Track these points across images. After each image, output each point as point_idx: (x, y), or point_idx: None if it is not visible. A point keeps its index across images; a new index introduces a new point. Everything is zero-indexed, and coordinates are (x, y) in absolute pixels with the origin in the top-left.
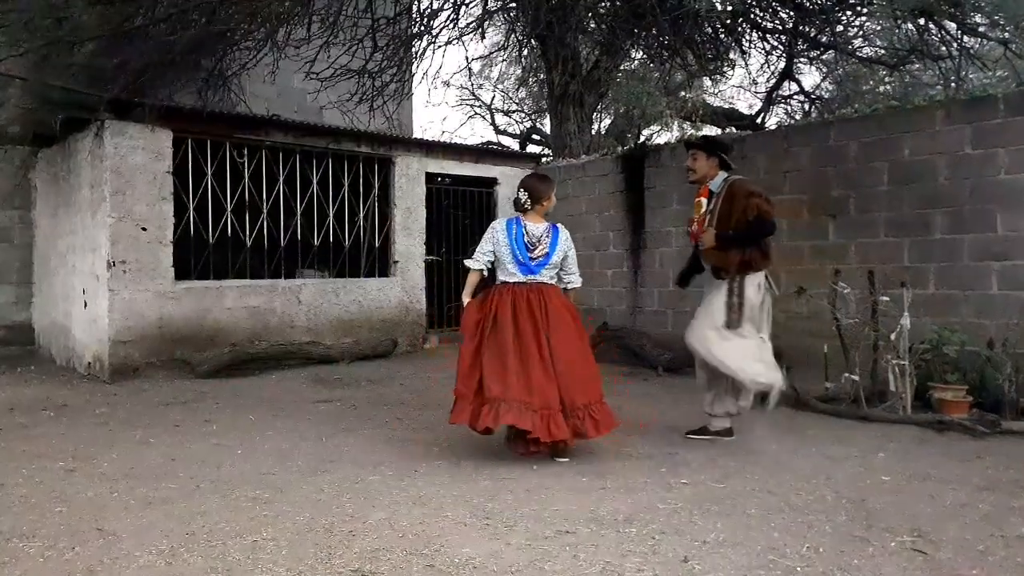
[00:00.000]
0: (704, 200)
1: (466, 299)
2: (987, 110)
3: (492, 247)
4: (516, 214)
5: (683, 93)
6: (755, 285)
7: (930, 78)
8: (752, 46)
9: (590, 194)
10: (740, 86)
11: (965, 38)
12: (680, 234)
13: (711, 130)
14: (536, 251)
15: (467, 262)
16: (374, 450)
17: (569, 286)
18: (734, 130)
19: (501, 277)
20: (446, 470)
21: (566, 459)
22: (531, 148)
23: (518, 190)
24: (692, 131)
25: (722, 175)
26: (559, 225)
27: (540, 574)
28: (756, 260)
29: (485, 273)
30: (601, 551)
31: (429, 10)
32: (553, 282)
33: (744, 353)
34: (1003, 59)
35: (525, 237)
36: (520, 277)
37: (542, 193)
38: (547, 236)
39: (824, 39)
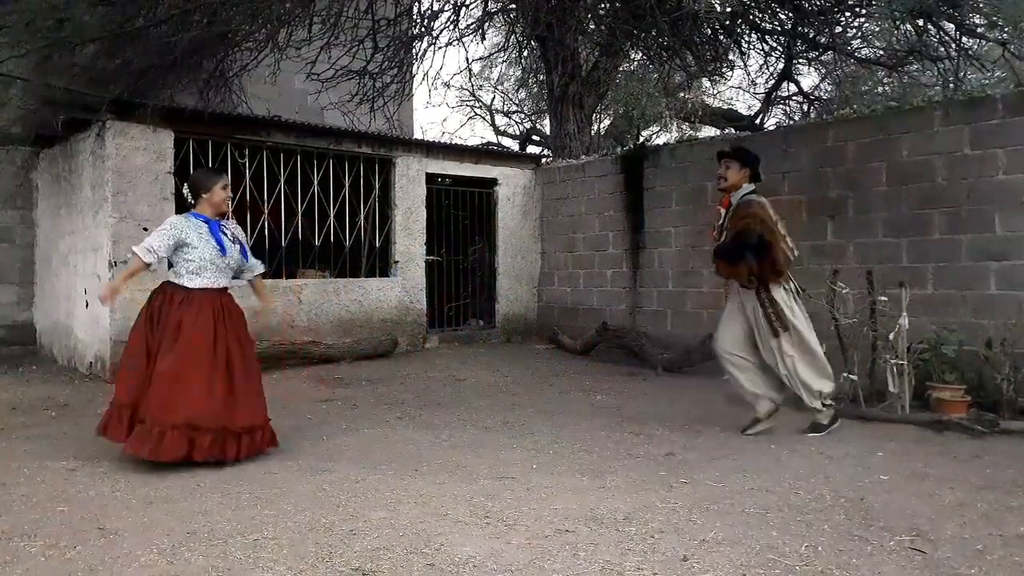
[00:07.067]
0: (723, 211)
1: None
2: (985, 111)
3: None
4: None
5: (682, 94)
6: (781, 291)
7: (928, 79)
8: (751, 47)
9: (589, 194)
10: (739, 87)
11: (963, 39)
12: (679, 234)
13: (710, 131)
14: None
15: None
16: (375, 449)
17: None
18: (733, 131)
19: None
20: (446, 469)
21: None
22: (531, 149)
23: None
24: (691, 131)
25: (746, 188)
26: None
27: (540, 573)
28: (766, 274)
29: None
30: (600, 550)
31: (429, 11)
32: (175, 279)
33: (810, 369)
34: (1001, 60)
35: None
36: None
37: (201, 186)
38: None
39: (823, 40)
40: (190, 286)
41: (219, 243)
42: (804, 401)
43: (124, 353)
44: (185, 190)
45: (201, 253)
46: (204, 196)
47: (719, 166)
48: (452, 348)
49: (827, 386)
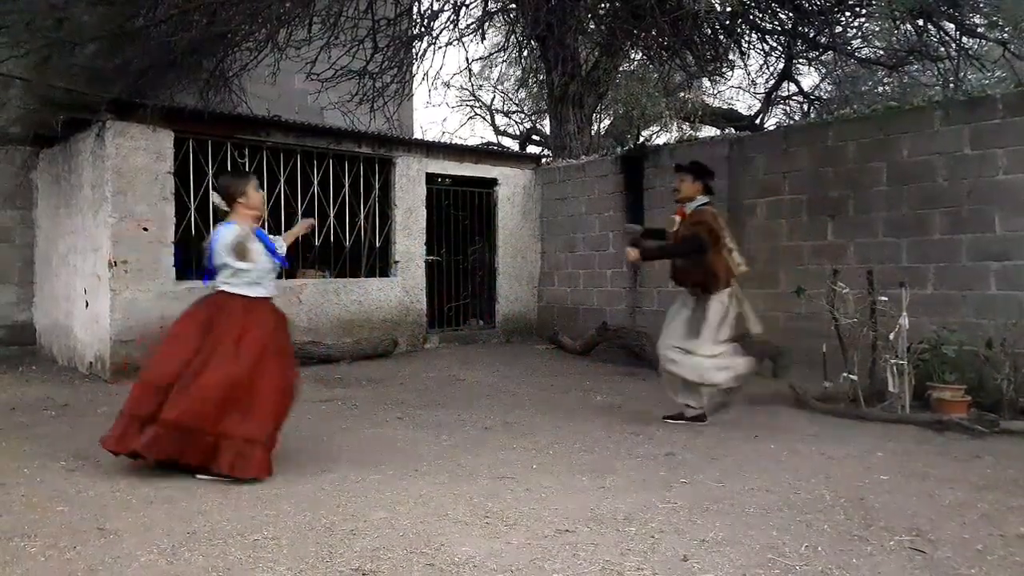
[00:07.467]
0: (678, 219)
1: None
2: (985, 111)
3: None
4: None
5: (682, 94)
6: (719, 303)
7: (928, 79)
8: (751, 47)
9: (590, 194)
10: (739, 87)
11: (964, 39)
12: None
13: (710, 131)
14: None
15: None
16: (375, 449)
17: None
18: (733, 131)
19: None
20: (447, 469)
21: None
22: (531, 149)
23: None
24: (691, 131)
25: (700, 199)
26: (225, 223)
27: (540, 573)
28: (717, 281)
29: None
30: (601, 550)
31: (429, 11)
32: (241, 290)
33: (702, 367)
34: (1002, 60)
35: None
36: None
37: (234, 191)
38: (210, 238)
39: (823, 40)
40: (251, 295)
41: (272, 250)
42: (677, 397)
43: (153, 361)
44: (216, 198)
45: (262, 263)
46: (240, 201)
47: (675, 179)
48: (452, 348)
49: (719, 378)
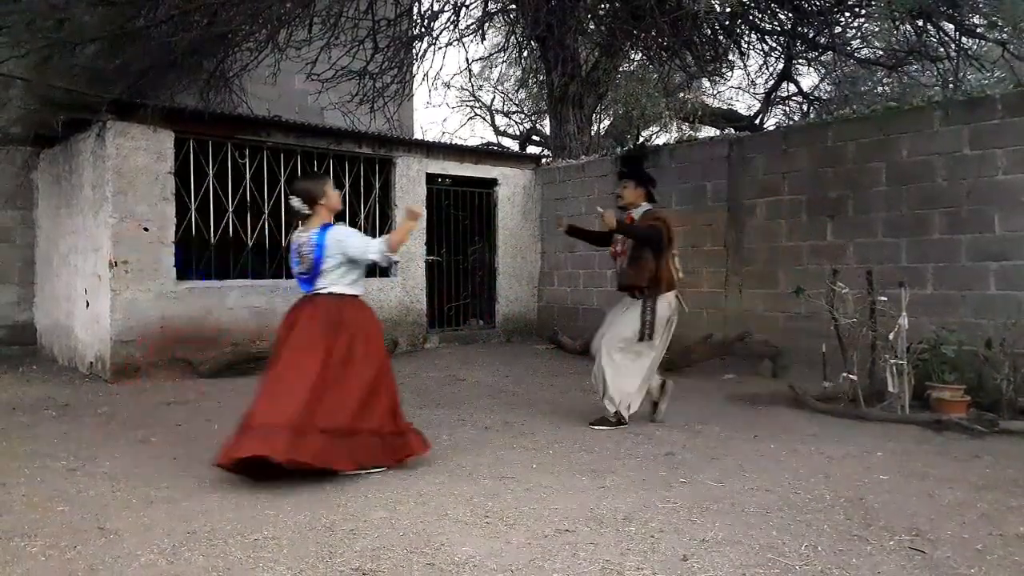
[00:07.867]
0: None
1: None
2: (985, 111)
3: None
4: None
5: (682, 94)
6: (666, 303)
7: (928, 79)
8: (751, 47)
9: (589, 194)
10: (739, 87)
11: (963, 39)
12: (678, 234)
13: (710, 131)
14: (302, 264)
15: None
16: None
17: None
18: (733, 131)
19: None
20: (447, 469)
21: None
22: (531, 149)
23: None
24: (691, 132)
25: (645, 206)
26: (332, 224)
27: (540, 573)
28: (659, 283)
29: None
30: (601, 550)
31: (429, 12)
32: (351, 290)
33: (627, 375)
34: (1001, 60)
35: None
36: (306, 290)
37: (316, 193)
38: (312, 242)
39: (822, 40)
40: (356, 293)
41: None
42: (602, 400)
43: (283, 365)
44: (296, 203)
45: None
46: (322, 202)
47: (618, 186)
48: (452, 348)
49: (627, 404)
